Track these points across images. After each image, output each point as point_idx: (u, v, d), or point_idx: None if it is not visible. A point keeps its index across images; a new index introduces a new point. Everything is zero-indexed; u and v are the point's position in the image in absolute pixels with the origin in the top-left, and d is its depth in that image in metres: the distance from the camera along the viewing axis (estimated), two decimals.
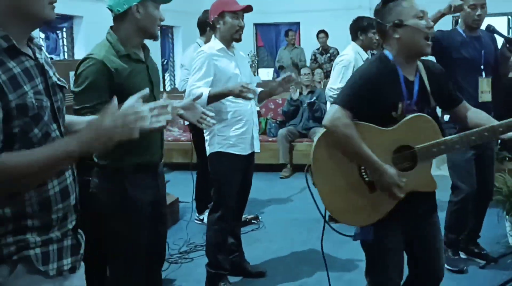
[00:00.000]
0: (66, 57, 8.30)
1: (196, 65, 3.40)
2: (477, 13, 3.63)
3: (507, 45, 3.57)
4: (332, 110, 2.22)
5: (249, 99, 3.25)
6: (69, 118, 1.74)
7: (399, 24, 2.22)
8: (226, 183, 3.47)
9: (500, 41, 3.77)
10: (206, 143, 3.53)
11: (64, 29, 8.39)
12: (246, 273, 3.81)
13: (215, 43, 3.46)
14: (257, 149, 3.61)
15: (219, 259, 3.53)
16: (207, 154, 3.53)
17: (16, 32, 1.49)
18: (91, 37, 7.82)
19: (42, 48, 1.66)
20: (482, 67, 3.68)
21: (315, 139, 2.29)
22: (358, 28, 4.64)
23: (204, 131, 3.52)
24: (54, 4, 1.55)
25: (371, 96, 2.20)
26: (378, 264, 2.41)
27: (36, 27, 1.61)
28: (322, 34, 9.31)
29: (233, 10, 3.40)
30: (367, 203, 2.29)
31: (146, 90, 1.58)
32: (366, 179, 2.29)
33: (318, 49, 9.37)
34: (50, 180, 1.52)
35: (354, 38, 4.69)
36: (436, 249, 2.43)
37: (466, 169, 3.66)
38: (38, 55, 1.57)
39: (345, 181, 2.29)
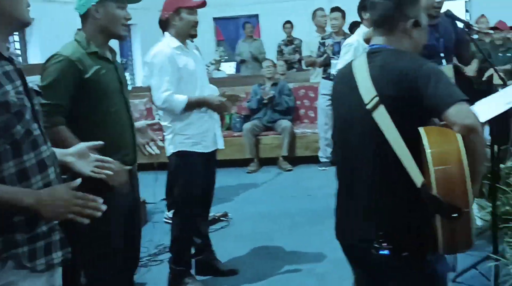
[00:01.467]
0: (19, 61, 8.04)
1: (159, 66, 3.30)
2: (437, 0, 3.60)
3: (467, 30, 3.58)
4: (462, 108, 1.71)
5: (224, 114, 3.32)
6: None
7: (419, 24, 1.93)
8: (190, 183, 3.43)
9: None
10: (166, 143, 3.46)
11: (16, 33, 8.11)
12: (217, 272, 3.76)
13: (171, 41, 3.37)
14: (220, 146, 3.60)
15: (184, 255, 3.53)
16: (168, 154, 3.47)
17: None
18: (45, 41, 7.60)
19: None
20: (442, 54, 3.67)
21: (457, 148, 1.67)
22: (361, 8, 4.63)
23: (164, 130, 3.48)
24: None
25: None
26: None
27: (15, 31, 1.71)
28: (288, 24, 9.25)
29: (189, 6, 3.33)
30: None
31: (101, 143, 1.76)
32: None
33: (283, 41, 9.31)
34: (34, 176, 1.59)
35: (362, 19, 4.71)
36: None
37: None
38: (15, 61, 1.66)
39: None
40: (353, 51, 4.96)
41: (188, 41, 3.46)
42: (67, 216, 1.53)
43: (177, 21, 3.34)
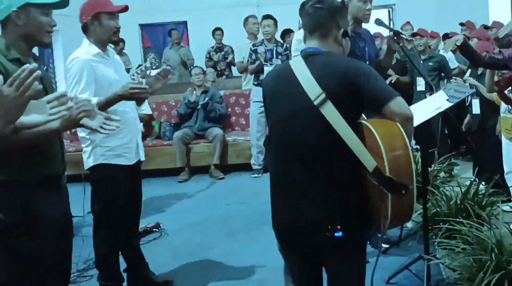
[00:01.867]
0: None
1: (74, 75, 3.11)
2: (367, 7, 3.66)
3: (395, 38, 3.66)
4: (400, 102, 2.02)
5: (144, 99, 3.11)
6: None
7: (347, 35, 2.21)
8: (112, 196, 3.29)
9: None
10: (85, 155, 3.28)
11: None
12: (151, 285, 3.63)
13: (90, 48, 3.20)
14: (142, 157, 3.47)
15: (112, 271, 3.42)
16: (87, 166, 3.30)
17: None
18: None
19: None
20: (367, 62, 3.74)
21: (401, 135, 1.97)
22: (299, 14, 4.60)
23: (82, 142, 3.30)
24: None
25: None
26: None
27: None
28: (219, 31, 9.18)
29: (110, 11, 3.18)
30: None
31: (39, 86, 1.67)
32: None
33: (213, 47, 9.22)
34: None
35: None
36: None
37: None
38: None
39: None
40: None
41: (109, 47, 3.31)
42: (17, 102, 1.61)
43: (97, 26, 3.18)
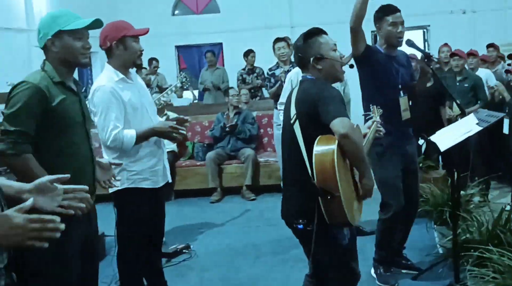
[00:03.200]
0: None
1: (103, 104, 3.09)
2: (398, 30, 3.65)
3: (426, 60, 3.63)
4: (340, 121, 2.37)
5: (179, 140, 3.19)
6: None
7: (320, 58, 2.60)
8: (136, 220, 3.26)
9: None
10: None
11: None
12: None
13: (113, 74, 3.18)
14: (169, 178, 3.45)
15: None
16: (111, 190, 3.20)
17: None
18: None
19: None
20: (399, 86, 3.72)
21: (332, 149, 2.35)
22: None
23: None
24: None
25: None
26: (349, 266, 2.68)
27: None
28: (253, 53, 9.26)
29: (135, 34, 3.21)
30: (358, 205, 2.60)
31: (66, 176, 1.76)
32: (358, 184, 2.57)
33: (244, 69, 9.28)
34: None
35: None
36: None
37: (395, 186, 3.68)
38: None
39: (351, 187, 2.52)
40: (289, 81, 5.42)
41: (131, 71, 3.31)
42: (24, 243, 1.43)
43: (122, 50, 3.18)
